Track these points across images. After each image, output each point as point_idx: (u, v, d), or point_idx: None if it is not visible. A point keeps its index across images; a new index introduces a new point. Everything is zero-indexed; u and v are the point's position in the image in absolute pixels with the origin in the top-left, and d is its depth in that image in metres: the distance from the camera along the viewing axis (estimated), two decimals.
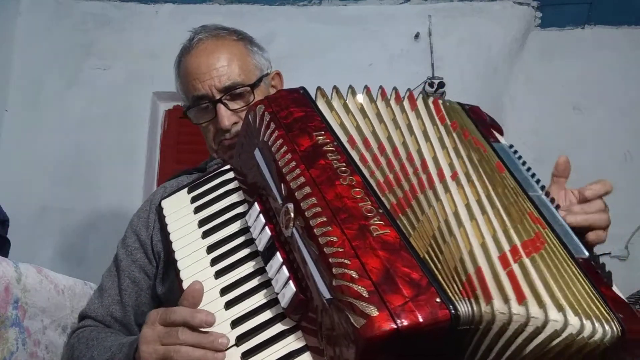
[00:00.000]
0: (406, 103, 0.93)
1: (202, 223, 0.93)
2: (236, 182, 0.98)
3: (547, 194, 0.86)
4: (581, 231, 0.84)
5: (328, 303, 0.67)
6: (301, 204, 0.75)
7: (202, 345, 0.74)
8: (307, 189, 0.76)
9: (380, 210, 0.73)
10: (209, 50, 1.15)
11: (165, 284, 1.10)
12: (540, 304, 0.66)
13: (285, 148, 0.81)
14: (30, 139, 2.63)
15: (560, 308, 0.66)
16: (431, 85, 2.66)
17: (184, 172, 1.24)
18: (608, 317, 0.69)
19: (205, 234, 0.92)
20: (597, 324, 0.67)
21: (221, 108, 1.12)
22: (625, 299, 0.73)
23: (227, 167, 1.01)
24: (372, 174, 0.80)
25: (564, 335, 0.65)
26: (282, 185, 0.79)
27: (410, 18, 2.82)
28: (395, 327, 0.61)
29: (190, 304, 0.78)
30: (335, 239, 0.70)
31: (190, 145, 2.75)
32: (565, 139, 2.67)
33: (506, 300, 0.66)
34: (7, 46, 2.71)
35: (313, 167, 0.78)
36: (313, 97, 0.91)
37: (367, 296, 0.64)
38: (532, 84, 2.86)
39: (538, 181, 0.88)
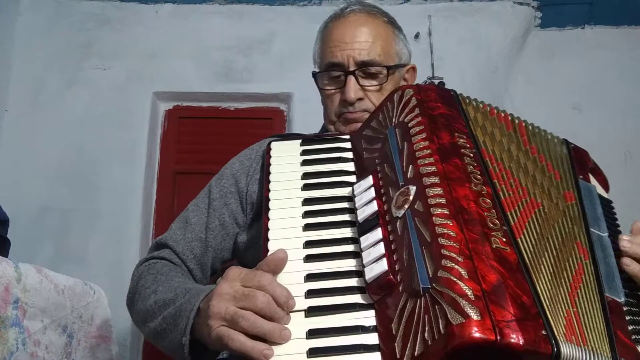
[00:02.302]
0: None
1: (305, 176, 0.91)
2: (351, 153, 0.95)
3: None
4: None
5: (423, 291, 0.65)
6: (426, 190, 0.73)
7: (274, 319, 0.71)
8: (436, 179, 0.74)
9: (505, 228, 0.71)
10: (358, 23, 1.15)
11: (248, 233, 1.09)
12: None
13: (424, 135, 0.80)
14: (30, 139, 2.63)
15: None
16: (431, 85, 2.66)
17: (294, 134, 1.20)
18: (608, 356, 0.66)
19: (306, 187, 0.89)
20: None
21: (351, 80, 1.11)
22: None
23: (347, 136, 0.99)
24: (499, 190, 0.78)
25: None
26: (410, 166, 0.78)
27: (410, 18, 2.81)
28: (494, 338, 0.58)
29: (270, 270, 0.75)
30: (453, 233, 0.67)
31: (190, 145, 2.75)
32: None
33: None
34: (7, 46, 2.71)
35: (447, 163, 0.76)
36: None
37: (472, 298, 0.61)
38: (532, 84, 2.86)
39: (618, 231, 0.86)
